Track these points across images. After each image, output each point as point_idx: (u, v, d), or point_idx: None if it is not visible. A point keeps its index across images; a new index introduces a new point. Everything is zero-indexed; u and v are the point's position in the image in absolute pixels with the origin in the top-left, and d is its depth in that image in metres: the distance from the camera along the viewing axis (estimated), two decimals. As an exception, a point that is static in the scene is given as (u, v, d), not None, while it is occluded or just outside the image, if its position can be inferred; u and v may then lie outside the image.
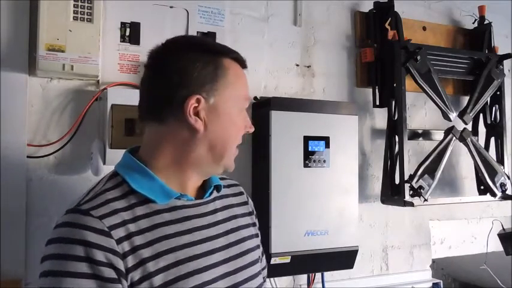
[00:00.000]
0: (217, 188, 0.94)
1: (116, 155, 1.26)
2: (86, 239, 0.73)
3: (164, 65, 0.85)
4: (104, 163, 1.26)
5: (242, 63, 0.90)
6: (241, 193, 1.03)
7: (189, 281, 0.79)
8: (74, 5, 1.23)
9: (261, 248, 1.04)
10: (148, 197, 0.81)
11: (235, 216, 0.95)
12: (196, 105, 0.82)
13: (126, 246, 0.75)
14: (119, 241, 0.75)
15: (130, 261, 0.75)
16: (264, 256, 1.07)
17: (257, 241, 1.00)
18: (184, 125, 0.83)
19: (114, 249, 0.74)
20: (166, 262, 0.78)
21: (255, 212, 1.05)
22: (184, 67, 0.83)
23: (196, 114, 0.83)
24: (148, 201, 0.81)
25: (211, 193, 0.92)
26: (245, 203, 1.02)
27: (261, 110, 1.46)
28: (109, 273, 0.73)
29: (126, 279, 0.74)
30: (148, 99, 0.87)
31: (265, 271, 1.07)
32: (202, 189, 0.91)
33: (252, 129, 0.92)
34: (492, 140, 1.94)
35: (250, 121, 0.92)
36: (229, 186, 1.01)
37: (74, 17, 1.23)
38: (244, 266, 0.90)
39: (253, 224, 1.01)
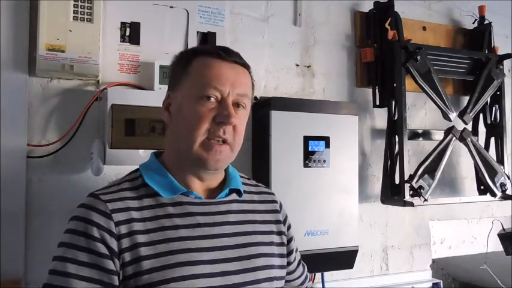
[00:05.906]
0: (238, 192, 0.98)
1: (116, 155, 1.27)
2: (89, 218, 0.83)
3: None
4: (104, 163, 1.26)
5: (218, 55, 0.89)
6: (273, 201, 1.06)
7: (176, 271, 0.83)
8: (74, 5, 1.23)
9: (295, 258, 1.08)
10: (155, 191, 0.88)
11: (253, 221, 0.97)
12: (169, 101, 0.93)
13: (123, 229, 0.83)
14: (118, 224, 0.83)
15: (125, 243, 0.82)
16: (302, 266, 1.13)
17: (279, 250, 1.00)
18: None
19: (110, 230, 0.82)
20: (157, 250, 0.83)
21: (288, 223, 1.07)
22: (171, 70, 0.97)
23: (168, 109, 0.93)
24: (156, 194, 0.89)
25: (227, 195, 0.96)
26: (275, 211, 1.04)
27: (261, 110, 1.46)
28: (102, 249, 0.81)
29: (118, 258, 0.82)
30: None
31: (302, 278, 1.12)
32: (219, 191, 0.95)
33: (226, 120, 0.86)
34: (492, 140, 1.94)
35: (230, 113, 0.87)
36: (259, 193, 1.04)
37: (74, 17, 1.23)
38: (251, 269, 0.91)
39: (279, 233, 1.02)
